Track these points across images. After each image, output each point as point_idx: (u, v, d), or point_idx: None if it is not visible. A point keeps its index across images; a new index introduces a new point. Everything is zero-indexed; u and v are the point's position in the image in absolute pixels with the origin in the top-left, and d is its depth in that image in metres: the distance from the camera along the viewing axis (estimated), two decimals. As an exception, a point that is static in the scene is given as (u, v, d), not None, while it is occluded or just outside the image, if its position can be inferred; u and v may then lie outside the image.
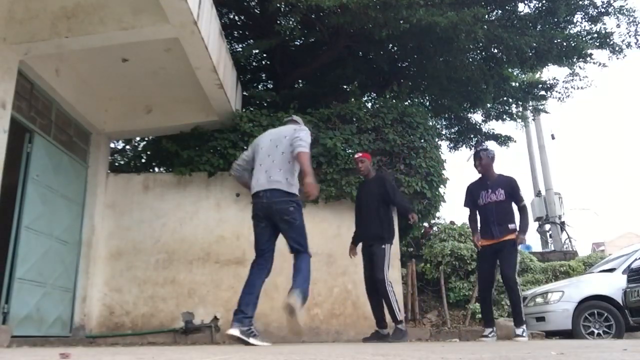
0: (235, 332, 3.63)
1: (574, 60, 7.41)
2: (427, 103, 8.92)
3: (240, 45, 8.68)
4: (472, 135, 9.55)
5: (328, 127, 6.46)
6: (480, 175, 5.21)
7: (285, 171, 3.90)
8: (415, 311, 6.90)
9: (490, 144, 9.62)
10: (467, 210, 5.36)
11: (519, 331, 4.81)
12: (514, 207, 5.06)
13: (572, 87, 8.48)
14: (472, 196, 5.17)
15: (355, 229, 5.26)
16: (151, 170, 7.46)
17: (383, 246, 4.96)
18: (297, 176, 3.98)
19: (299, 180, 3.95)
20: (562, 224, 15.03)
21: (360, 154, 5.36)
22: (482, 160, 5.11)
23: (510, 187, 5.00)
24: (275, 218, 3.88)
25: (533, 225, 15.67)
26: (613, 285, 6.76)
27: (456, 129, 9.69)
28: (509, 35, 6.69)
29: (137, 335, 5.90)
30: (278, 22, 7.29)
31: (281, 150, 3.95)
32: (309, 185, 3.76)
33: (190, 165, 6.33)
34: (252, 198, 3.99)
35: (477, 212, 5.18)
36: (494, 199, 4.98)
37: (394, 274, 6.21)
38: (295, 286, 3.67)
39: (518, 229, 4.96)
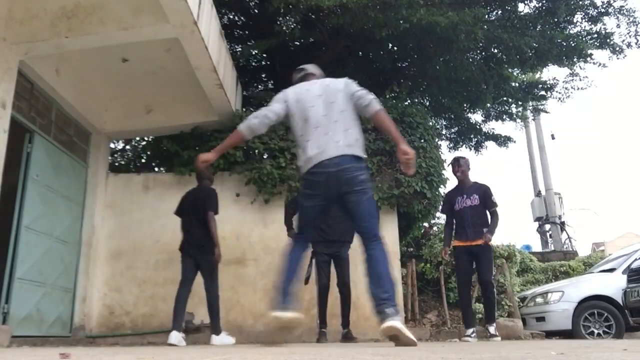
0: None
1: (574, 60, 7.41)
2: (427, 103, 8.92)
3: (240, 45, 8.68)
4: (472, 136, 9.55)
5: (328, 127, 6.45)
6: (457, 183, 5.42)
7: (354, 132, 3.06)
8: (415, 311, 6.89)
9: (490, 145, 9.65)
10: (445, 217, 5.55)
11: (492, 329, 5.11)
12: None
13: (572, 88, 8.48)
14: (450, 203, 5.36)
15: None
16: (151, 170, 7.46)
17: (348, 251, 5.16)
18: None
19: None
20: (562, 224, 15.03)
21: None
22: (462, 167, 5.34)
23: (484, 193, 5.24)
24: (342, 190, 2.98)
25: (533, 225, 15.70)
26: (613, 285, 6.75)
27: (456, 129, 9.70)
28: (509, 35, 6.69)
29: (137, 335, 5.90)
30: (278, 22, 7.30)
31: (339, 108, 3.09)
32: (407, 154, 2.95)
33: (190, 165, 6.32)
34: (308, 170, 3.05)
35: (454, 218, 5.35)
36: (468, 203, 5.21)
37: (393, 274, 6.20)
38: (383, 297, 2.79)
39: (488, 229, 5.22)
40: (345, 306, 5.19)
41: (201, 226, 4.96)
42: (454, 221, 5.34)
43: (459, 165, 5.33)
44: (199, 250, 4.99)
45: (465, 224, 5.17)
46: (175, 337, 4.68)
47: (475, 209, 5.18)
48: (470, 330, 5.13)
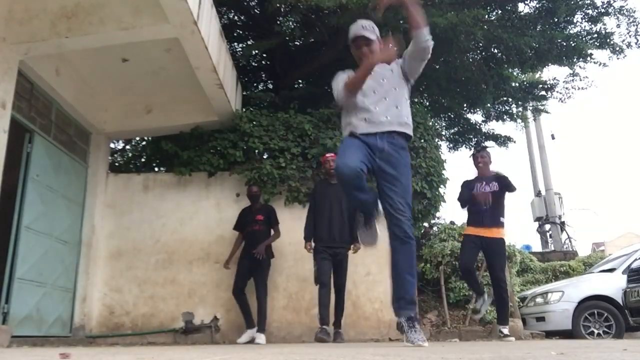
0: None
1: (574, 60, 7.40)
2: (427, 103, 8.92)
3: (240, 45, 8.68)
4: (472, 136, 9.55)
5: (328, 127, 6.46)
6: (476, 174, 5.35)
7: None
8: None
9: (490, 145, 9.63)
10: (459, 206, 5.45)
11: (505, 330, 5.05)
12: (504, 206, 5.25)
13: (572, 88, 8.47)
14: (468, 189, 5.26)
15: (315, 229, 5.21)
16: (151, 170, 7.47)
17: (348, 251, 5.16)
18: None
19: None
20: (562, 224, 15.02)
21: (332, 154, 5.43)
22: (485, 158, 5.31)
23: (504, 181, 5.18)
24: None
25: (533, 225, 15.69)
26: (613, 285, 6.75)
27: (456, 129, 9.69)
28: (508, 35, 6.69)
29: (137, 335, 5.90)
30: (278, 22, 7.29)
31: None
32: None
33: (190, 165, 6.33)
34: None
35: (471, 205, 5.26)
36: (488, 189, 5.13)
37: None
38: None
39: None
40: (339, 307, 5.18)
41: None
42: (470, 208, 5.24)
43: (482, 157, 5.30)
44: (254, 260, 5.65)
45: (482, 209, 5.06)
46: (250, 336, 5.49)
47: (494, 194, 5.08)
48: (480, 301, 5.14)
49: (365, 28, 3.12)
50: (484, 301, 5.11)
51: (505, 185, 5.14)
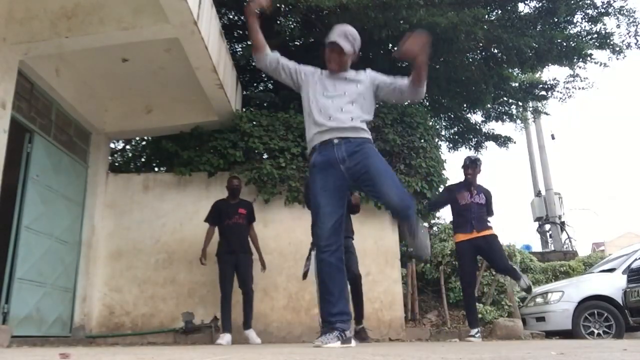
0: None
1: (574, 60, 7.41)
2: (427, 103, 8.92)
3: (240, 45, 8.68)
4: (472, 136, 9.55)
5: (328, 127, 6.45)
6: (463, 180, 5.49)
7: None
8: (415, 311, 6.89)
9: (490, 145, 9.65)
10: (430, 205, 5.83)
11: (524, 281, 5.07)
12: None
13: (573, 88, 8.48)
14: (451, 194, 5.45)
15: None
16: (151, 170, 7.46)
17: (353, 241, 4.98)
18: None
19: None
20: (562, 224, 15.03)
21: None
22: (477, 169, 5.44)
23: (489, 198, 5.42)
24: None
25: (533, 225, 15.70)
26: (613, 285, 6.76)
27: (456, 129, 9.69)
28: (508, 35, 6.69)
29: (137, 335, 5.90)
30: (278, 22, 7.29)
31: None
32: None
33: (190, 165, 6.33)
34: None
35: (453, 211, 5.45)
36: (477, 200, 5.33)
37: (393, 274, 6.21)
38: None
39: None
40: (358, 299, 4.84)
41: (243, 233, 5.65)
42: (456, 217, 5.40)
43: (474, 167, 5.42)
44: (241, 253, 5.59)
45: (470, 217, 5.23)
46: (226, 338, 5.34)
47: (481, 206, 5.32)
48: (474, 330, 5.11)
49: (346, 38, 3.05)
50: (478, 334, 5.08)
51: (488, 202, 5.38)
